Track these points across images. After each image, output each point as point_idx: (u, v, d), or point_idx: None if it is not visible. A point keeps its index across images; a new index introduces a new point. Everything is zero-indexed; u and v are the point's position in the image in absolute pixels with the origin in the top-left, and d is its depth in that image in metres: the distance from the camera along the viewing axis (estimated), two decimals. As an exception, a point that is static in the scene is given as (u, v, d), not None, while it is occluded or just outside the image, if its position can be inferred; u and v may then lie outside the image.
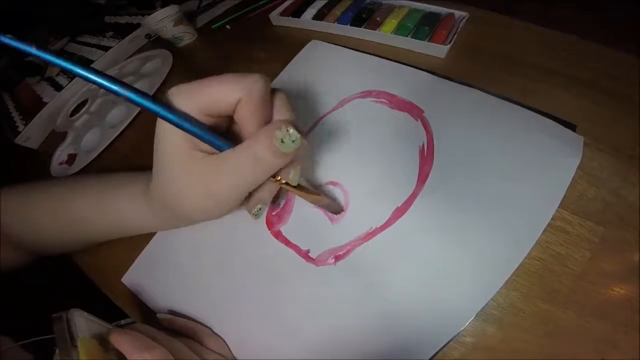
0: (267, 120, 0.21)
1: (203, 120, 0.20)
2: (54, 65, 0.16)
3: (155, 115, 0.18)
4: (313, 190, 0.25)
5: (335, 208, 0.26)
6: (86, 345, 0.20)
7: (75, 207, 0.28)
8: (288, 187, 0.23)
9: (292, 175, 0.22)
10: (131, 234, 0.30)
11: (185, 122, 0.19)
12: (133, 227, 0.29)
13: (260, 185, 0.22)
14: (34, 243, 0.30)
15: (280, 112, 0.22)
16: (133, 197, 0.27)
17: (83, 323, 0.21)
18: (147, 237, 0.31)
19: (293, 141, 0.19)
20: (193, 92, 0.19)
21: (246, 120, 0.20)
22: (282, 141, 0.19)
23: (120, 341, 0.20)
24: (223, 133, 0.21)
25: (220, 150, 0.20)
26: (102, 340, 0.21)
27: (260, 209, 0.24)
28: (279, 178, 0.22)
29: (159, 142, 0.21)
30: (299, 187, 0.23)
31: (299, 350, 0.23)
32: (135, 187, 0.27)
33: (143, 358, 0.19)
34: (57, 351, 0.19)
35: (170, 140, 0.20)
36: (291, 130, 0.19)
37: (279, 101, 0.22)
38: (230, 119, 0.21)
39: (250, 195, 0.23)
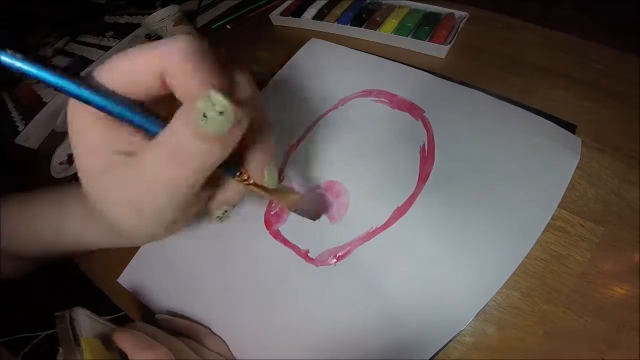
0: None
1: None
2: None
3: (64, 93, 0.14)
4: (288, 190, 0.21)
5: (313, 214, 0.23)
6: (90, 345, 0.20)
7: (40, 221, 0.27)
8: (258, 190, 0.18)
9: (267, 177, 0.17)
10: (93, 248, 0.27)
11: (98, 96, 0.14)
12: (92, 243, 0.25)
13: (224, 184, 0.18)
14: (18, 252, 0.29)
15: (222, 77, 0.15)
16: (86, 215, 0.23)
17: (86, 322, 0.21)
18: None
19: (220, 113, 0.12)
20: (114, 66, 0.14)
21: (181, 97, 0.14)
22: (204, 115, 0.12)
23: (123, 340, 0.20)
24: (153, 112, 0.15)
25: (153, 134, 0.14)
26: (105, 340, 0.21)
27: (225, 212, 0.19)
28: (241, 176, 0.17)
29: (73, 145, 0.16)
30: (272, 190, 0.18)
31: (299, 350, 0.23)
32: (88, 202, 0.21)
33: (145, 357, 0.19)
34: (60, 350, 0.19)
35: (83, 141, 0.16)
36: (215, 97, 0.12)
37: (238, 76, 0.16)
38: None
39: (214, 195, 0.19)
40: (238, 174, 0.17)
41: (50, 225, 0.26)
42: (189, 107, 0.13)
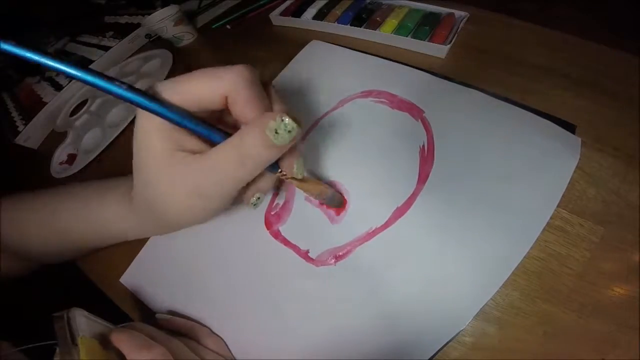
0: (266, 111, 0.20)
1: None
2: (53, 70, 0.16)
3: (145, 109, 0.17)
4: (316, 181, 0.24)
5: (338, 200, 0.26)
6: (87, 345, 0.19)
7: (61, 217, 0.28)
8: (291, 181, 0.22)
9: (296, 168, 0.21)
10: (117, 241, 0.29)
11: (175, 114, 0.18)
12: (118, 235, 0.28)
13: (259, 175, 0.21)
14: (27, 253, 0.30)
15: (276, 103, 0.21)
16: (116, 204, 0.26)
17: (84, 322, 0.21)
18: (145, 238, 0.31)
19: (289, 132, 0.18)
20: (179, 86, 0.18)
21: (240, 114, 0.19)
22: (277, 132, 0.17)
23: (120, 340, 0.20)
24: (215, 125, 0.19)
25: (215, 142, 0.19)
26: (103, 340, 0.21)
27: (259, 199, 0.23)
28: (282, 172, 0.21)
29: (140, 143, 0.20)
30: (302, 179, 0.22)
31: (299, 350, 0.23)
32: (118, 193, 0.26)
33: (142, 357, 0.19)
34: (57, 350, 0.19)
35: (150, 141, 0.19)
36: (287, 120, 0.17)
37: (273, 94, 0.21)
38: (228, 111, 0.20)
39: (247, 185, 0.22)
40: (279, 170, 0.21)
41: (79, 217, 0.28)
42: (261, 122, 0.18)
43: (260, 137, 0.18)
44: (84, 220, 0.27)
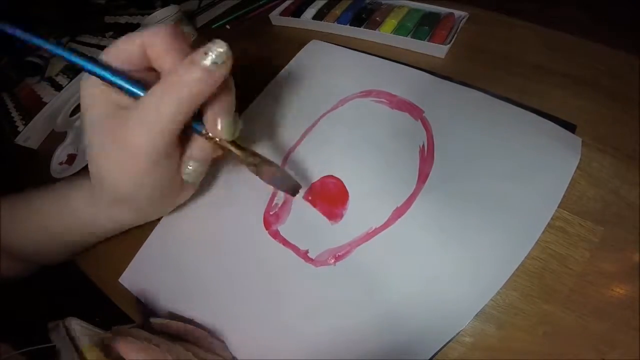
0: None
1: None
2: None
3: (74, 64, 0.19)
4: (258, 154, 0.21)
5: (291, 185, 0.23)
6: (93, 353, 0.19)
7: (43, 215, 0.28)
8: (221, 144, 0.20)
9: (223, 126, 0.19)
10: (98, 234, 0.29)
11: (99, 68, 0.19)
12: (96, 227, 0.27)
13: (188, 142, 0.21)
14: (22, 253, 0.30)
15: None
16: (83, 194, 0.26)
17: (81, 331, 0.21)
18: (144, 237, 0.31)
19: (220, 51, 0.17)
20: (111, 49, 0.19)
21: (160, 66, 0.19)
22: (205, 55, 0.17)
23: (130, 351, 0.20)
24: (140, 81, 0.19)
25: (137, 96, 0.19)
26: (102, 347, 0.20)
27: (191, 168, 0.21)
28: (206, 133, 0.19)
29: (84, 107, 0.20)
30: (238, 146, 0.20)
31: (298, 350, 0.23)
32: (85, 183, 0.26)
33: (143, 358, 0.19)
34: None
35: (93, 101, 0.20)
36: (216, 40, 0.17)
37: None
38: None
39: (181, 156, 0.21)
40: (203, 131, 0.20)
41: (57, 218, 0.27)
42: (188, 56, 0.18)
43: (190, 65, 0.17)
44: (60, 218, 0.27)
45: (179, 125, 0.18)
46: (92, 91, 0.20)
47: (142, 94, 0.19)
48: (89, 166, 0.22)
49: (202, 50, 0.17)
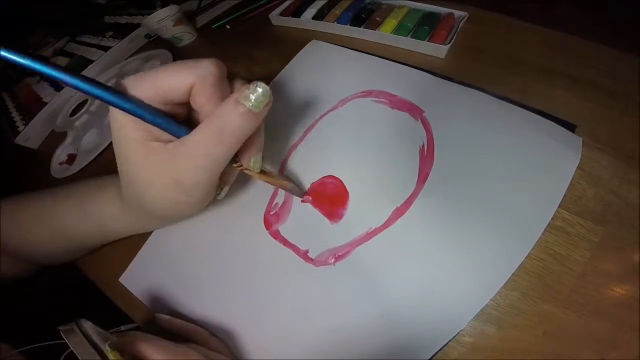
0: None
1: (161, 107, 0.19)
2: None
3: (107, 103, 0.18)
4: (275, 175, 0.25)
5: (297, 191, 0.27)
6: (114, 354, 0.19)
7: (59, 216, 0.28)
8: (250, 173, 0.23)
9: (253, 162, 0.22)
10: (115, 237, 0.29)
11: (138, 108, 0.18)
12: (115, 231, 0.28)
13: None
14: (25, 254, 0.30)
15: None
16: (110, 200, 0.26)
17: (94, 333, 0.20)
18: (145, 237, 0.31)
19: (263, 95, 0.18)
20: (146, 80, 0.19)
21: (202, 106, 0.20)
22: (250, 98, 0.18)
23: (152, 353, 0.20)
24: (179, 121, 0.20)
25: (178, 137, 0.20)
26: (118, 349, 0.20)
27: (224, 192, 0.24)
28: (239, 164, 0.22)
29: (116, 137, 0.20)
30: (261, 172, 0.23)
31: (298, 350, 0.23)
32: (110, 191, 0.26)
33: None
34: None
35: (125, 134, 0.20)
36: (258, 84, 0.18)
37: (238, 84, 0.21)
38: (189, 107, 0.21)
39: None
40: (236, 163, 0.22)
41: (74, 220, 0.27)
42: (233, 97, 0.18)
43: (235, 106, 0.18)
44: (79, 220, 0.27)
45: (226, 163, 0.20)
46: (123, 120, 0.19)
47: (184, 134, 0.19)
48: (128, 191, 0.23)
49: (245, 91, 0.18)
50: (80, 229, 0.28)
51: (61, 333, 0.20)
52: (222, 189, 0.24)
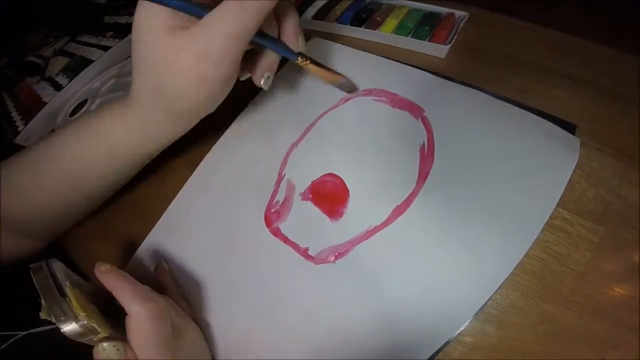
0: None
1: None
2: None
3: None
4: (327, 67, 0.27)
5: (350, 86, 0.28)
6: (75, 295, 0.19)
7: (66, 158, 0.26)
8: (301, 63, 0.24)
9: (301, 42, 0.23)
10: (127, 163, 0.27)
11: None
12: (128, 149, 0.26)
13: (264, 52, 0.23)
14: (29, 222, 0.29)
15: None
16: (115, 113, 0.25)
17: (63, 273, 0.21)
18: (144, 235, 0.31)
19: None
20: None
21: None
22: None
23: (122, 289, 0.20)
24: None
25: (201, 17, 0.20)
26: (84, 291, 0.20)
27: (268, 77, 0.24)
28: (305, 60, 0.24)
29: (139, 28, 0.21)
30: (312, 61, 0.25)
31: (298, 349, 0.23)
32: (113, 106, 0.25)
33: (146, 309, 0.19)
34: (43, 303, 0.19)
35: (151, 24, 0.20)
36: None
37: None
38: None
39: (255, 64, 0.24)
40: (301, 59, 0.24)
41: (82, 153, 0.26)
42: None
43: None
44: (89, 149, 0.26)
45: (254, 31, 0.20)
46: (147, 14, 0.20)
47: (205, 14, 0.19)
48: (147, 82, 0.23)
49: None
50: (90, 161, 0.26)
51: (30, 270, 0.20)
52: (267, 77, 0.24)
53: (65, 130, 0.27)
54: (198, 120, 0.26)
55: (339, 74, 0.27)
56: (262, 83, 0.24)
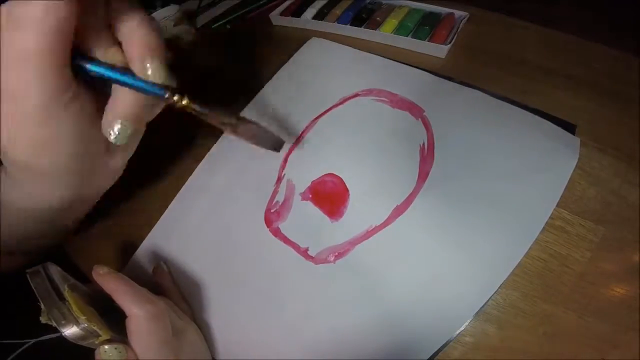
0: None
1: None
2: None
3: None
4: (234, 114, 0.19)
5: (275, 140, 0.21)
6: (74, 298, 0.19)
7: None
8: (178, 103, 0.16)
9: (152, 72, 0.15)
10: (35, 222, 0.24)
11: None
12: (18, 213, 0.22)
13: (116, 93, 0.16)
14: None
15: None
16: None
17: (60, 277, 0.21)
18: (143, 235, 0.31)
19: None
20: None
21: None
22: None
23: (120, 291, 0.20)
24: None
25: None
26: (82, 294, 0.21)
27: (124, 127, 0.16)
28: (171, 97, 0.16)
29: None
30: (191, 99, 0.16)
31: (298, 349, 0.23)
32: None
33: (146, 311, 0.19)
34: (42, 307, 0.19)
35: None
36: None
37: None
38: None
39: (104, 109, 0.17)
40: (167, 95, 0.16)
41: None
42: None
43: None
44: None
45: (60, 57, 0.14)
46: None
47: None
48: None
49: None
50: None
51: (27, 275, 0.20)
52: (115, 126, 0.17)
53: None
54: (83, 190, 0.21)
55: (241, 118, 0.20)
56: (111, 136, 0.17)
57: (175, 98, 0.16)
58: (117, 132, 0.17)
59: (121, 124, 0.16)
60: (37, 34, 0.13)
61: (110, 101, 0.17)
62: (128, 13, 0.15)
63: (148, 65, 0.15)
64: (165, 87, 0.16)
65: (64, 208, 0.22)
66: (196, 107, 0.17)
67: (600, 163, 0.24)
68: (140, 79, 0.15)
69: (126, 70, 0.15)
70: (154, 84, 0.16)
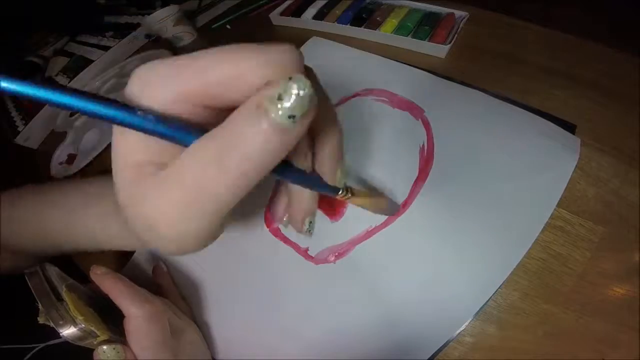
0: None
1: (186, 112, 0.12)
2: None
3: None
4: (368, 191, 0.21)
5: (394, 208, 0.23)
6: (72, 298, 0.19)
7: (44, 220, 0.26)
8: (343, 198, 0.17)
9: (339, 177, 0.16)
10: (107, 249, 0.26)
11: (139, 118, 0.11)
12: (107, 244, 0.25)
13: (290, 195, 0.17)
14: (16, 247, 0.29)
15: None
16: (103, 216, 0.24)
17: (58, 278, 0.21)
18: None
19: (303, 100, 0.10)
20: (179, 69, 0.11)
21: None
22: (280, 100, 0.10)
23: (117, 291, 0.20)
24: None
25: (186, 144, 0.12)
26: (80, 294, 0.21)
27: (311, 223, 0.18)
28: (348, 194, 0.17)
29: (114, 147, 0.13)
30: (354, 192, 0.17)
31: (297, 348, 0.23)
32: (106, 203, 0.24)
33: (144, 311, 0.20)
34: (40, 307, 0.19)
35: (120, 151, 0.13)
36: (296, 78, 0.10)
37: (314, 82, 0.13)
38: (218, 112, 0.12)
39: (290, 206, 0.17)
40: (342, 193, 0.17)
41: (62, 223, 0.26)
42: (256, 96, 0.10)
43: (251, 113, 0.10)
44: (69, 226, 0.25)
45: (233, 204, 0.12)
46: (126, 140, 0.13)
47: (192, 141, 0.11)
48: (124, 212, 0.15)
49: (272, 89, 0.10)
50: (66, 236, 0.26)
51: (25, 275, 0.20)
52: (309, 222, 0.18)
53: (47, 207, 0.27)
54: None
55: (382, 194, 0.22)
56: (305, 230, 0.17)
57: (343, 195, 0.17)
58: (307, 227, 0.18)
59: (310, 219, 0.18)
60: (238, 181, 0.11)
61: (295, 203, 0.17)
62: (329, 126, 0.15)
63: (338, 174, 0.16)
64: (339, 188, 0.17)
65: None
66: (356, 199, 0.18)
67: (600, 163, 0.24)
68: (325, 183, 0.16)
69: (313, 173, 0.16)
70: (331, 188, 0.16)
